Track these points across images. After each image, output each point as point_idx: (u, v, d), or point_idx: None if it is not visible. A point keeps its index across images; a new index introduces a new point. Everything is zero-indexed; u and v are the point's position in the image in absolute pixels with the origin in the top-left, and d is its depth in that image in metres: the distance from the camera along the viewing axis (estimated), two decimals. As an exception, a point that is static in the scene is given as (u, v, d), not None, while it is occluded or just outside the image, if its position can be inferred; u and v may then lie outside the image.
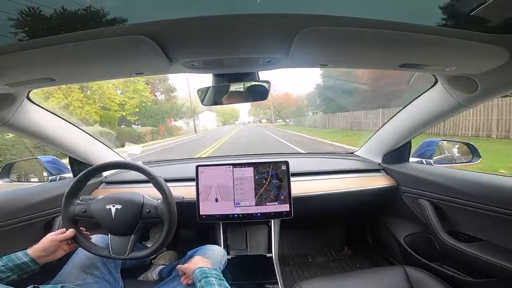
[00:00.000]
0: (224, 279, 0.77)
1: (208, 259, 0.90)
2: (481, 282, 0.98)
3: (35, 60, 0.56)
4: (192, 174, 1.25)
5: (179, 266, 0.90)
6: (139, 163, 0.99)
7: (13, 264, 0.74)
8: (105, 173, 1.47)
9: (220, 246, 1.26)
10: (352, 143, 8.01)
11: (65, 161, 1.39)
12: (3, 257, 0.75)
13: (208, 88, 0.86)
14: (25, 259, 0.76)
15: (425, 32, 0.49)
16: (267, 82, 0.85)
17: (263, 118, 49.84)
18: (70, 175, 1.36)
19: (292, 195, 1.23)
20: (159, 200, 0.93)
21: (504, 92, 0.81)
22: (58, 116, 1.13)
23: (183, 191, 1.25)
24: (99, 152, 1.39)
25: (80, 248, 0.93)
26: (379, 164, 1.48)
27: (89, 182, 0.99)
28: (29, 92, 0.91)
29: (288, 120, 34.42)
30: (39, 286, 0.68)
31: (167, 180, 0.95)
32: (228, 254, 1.27)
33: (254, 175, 1.24)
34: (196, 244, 1.11)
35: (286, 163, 1.25)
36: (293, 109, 33.69)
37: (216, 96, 0.89)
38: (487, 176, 1.02)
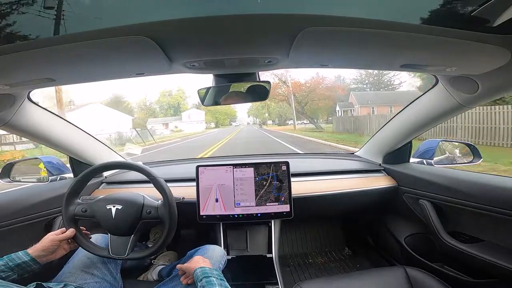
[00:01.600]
0: (225, 279, 0.77)
1: (208, 259, 0.90)
2: (482, 282, 0.97)
3: (35, 61, 0.56)
4: (193, 175, 1.25)
5: (179, 265, 0.90)
6: (140, 163, 0.99)
7: (13, 263, 0.74)
8: (105, 173, 1.47)
9: (220, 246, 1.26)
10: None
11: (64, 159, 1.39)
12: (4, 257, 0.75)
13: (208, 88, 0.86)
14: (26, 259, 0.76)
15: (426, 33, 0.49)
16: (268, 82, 0.85)
17: (268, 119, 35.86)
18: (71, 175, 1.36)
19: (292, 196, 1.23)
20: (160, 201, 0.93)
21: (505, 92, 0.81)
22: (59, 117, 1.13)
23: (184, 191, 1.25)
24: (99, 152, 1.39)
25: (80, 248, 0.93)
26: (380, 164, 1.48)
27: (89, 182, 1.00)
28: (29, 93, 0.92)
29: (318, 122, 20.82)
30: (43, 283, 0.68)
31: (167, 180, 0.95)
32: (228, 254, 1.27)
33: (255, 176, 1.24)
34: (197, 244, 1.11)
35: (287, 163, 1.25)
36: (326, 104, 20.06)
37: (216, 96, 0.89)
38: (488, 176, 1.02)
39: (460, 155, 1.33)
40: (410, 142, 1.34)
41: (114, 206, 0.89)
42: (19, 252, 0.78)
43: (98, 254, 0.90)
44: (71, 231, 0.87)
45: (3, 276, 0.72)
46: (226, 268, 1.06)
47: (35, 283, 0.66)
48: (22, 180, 1.35)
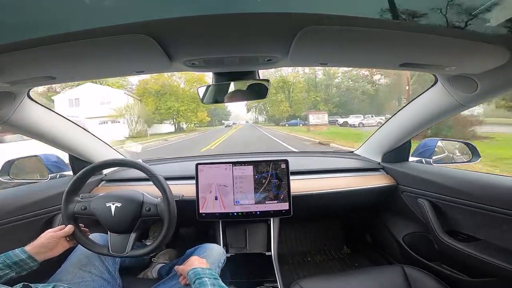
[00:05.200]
0: (219, 278, 0.76)
1: (205, 259, 0.90)
2: (479, 281, 0.98)
3: (36, 59, 0.56)
4: (192, 172, 1.25)
5: (176, 267, 0.90)
6: (139, 161, 0.99)
7: (11, 261, 0.73)
8: (105, 171, 1.47)
9: (220, 244, 1.27)
10: None
11: (62, 155, 1.39)
12: (1, 255, 0.74)
13: (208, 86, 0.87)
14: (23, 256, 0.75)
15: (425, 32, 0.50)
16: (267, 80, 0.85)
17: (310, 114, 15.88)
18: (70, 173, 1.36)
19: (291, 194, 1.23)
20: (159, 199, 0.93)
21: (504, 92, 0.81)
22: (58, 114, 1.13)
23: (183, 189, 1.25)
24: (99, 149, 1.39)
25: (78, 247, 0.93)
26: (379, 163, 1.48)
27: (89, 180, 1.00)
28: (29, 90, 0.91)
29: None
30: (30, 284, 0.66)
31: (167, 178, 0.95)
32: (227, 252, 1.27)
33: (254, 174, 1.24)
34: (196, 242, 1.11)
35: (286, 161, 1.25)
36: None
37: (216, 94, 0.90)
38: (487, 175, 1.02)
39: (458, 154, 1.33)
40: (409, 141, 1.34)
41: (113, 204, 0.89)
42: (16, 249, 0.76)
43: (98, 251, 0.90)
44: (70, 228, 0.87)
45: (1, 274, 0.71)
46: (225, 266, 1.06)
47: (22, 284, 0.64)
48: (21, 178, 1.35)
